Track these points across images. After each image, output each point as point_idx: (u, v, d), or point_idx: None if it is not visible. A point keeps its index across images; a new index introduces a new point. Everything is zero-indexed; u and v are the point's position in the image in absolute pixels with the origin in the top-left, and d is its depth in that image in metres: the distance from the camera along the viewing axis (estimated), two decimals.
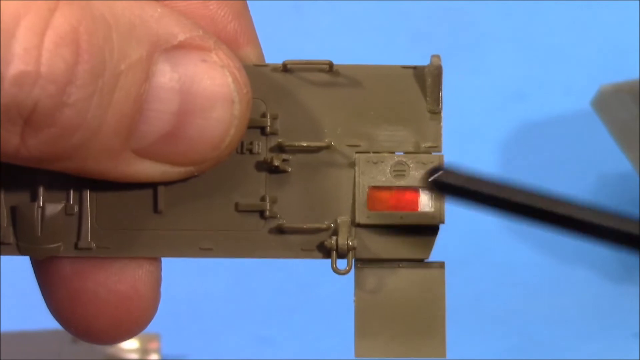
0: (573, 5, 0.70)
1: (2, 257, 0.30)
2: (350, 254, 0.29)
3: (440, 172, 0.27)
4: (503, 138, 0.66)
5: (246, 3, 0.30)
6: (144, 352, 0.62)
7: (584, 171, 0.68)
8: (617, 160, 0.66)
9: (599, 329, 0.65)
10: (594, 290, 0.66)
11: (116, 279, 0.30)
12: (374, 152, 0.29)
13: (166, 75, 0.26)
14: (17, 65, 0.24)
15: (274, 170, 0.29)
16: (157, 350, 0.62)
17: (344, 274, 0.29)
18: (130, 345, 0.62)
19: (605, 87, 0.64)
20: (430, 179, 0.27)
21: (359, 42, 0.69)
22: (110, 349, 0.62)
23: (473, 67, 0.65)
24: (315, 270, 0.65)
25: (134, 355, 0.62)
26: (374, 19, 0.70)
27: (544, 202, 0.27)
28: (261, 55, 0.30)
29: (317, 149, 0.29)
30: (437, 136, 0.29)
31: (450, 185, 0.27)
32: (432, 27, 0.70)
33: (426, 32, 0.69)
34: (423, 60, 0.30)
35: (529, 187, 0.28)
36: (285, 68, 0.29)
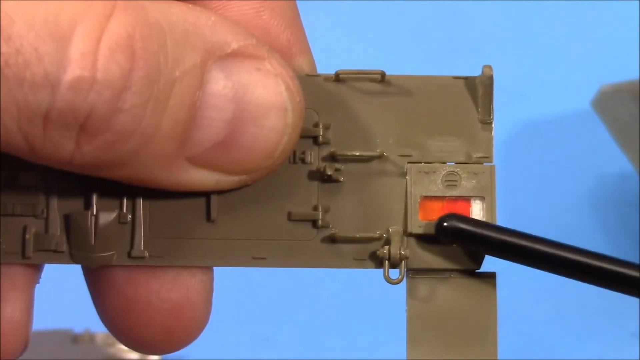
0: (573, 5, 0.70)
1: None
2: (403, 264, 0.29)
3: (452, 218, 0.28)
4: (503, 138, 0.66)
5: (299, 13, 0.30)
6: None
7: (584, 171, 0.68)
8: (617, 160, 0.66)
9: (599, 329, 0.65)
10: (594, 290, 0.66)
11: (169, 288, 0.29)
12: (425, 162, 0.29)
13: (220, 83, 0.26)
14: (73, 70, 0.24)
15: (326, 179, 0.29)
16: None
17: (396, 283, 0.29)
18: None
19: (605, 87, 0.64)
20: (443, 225, 0.28)
21: (359, 42, 0.69)
22: (111, 349, 0.62)
23: (473, 67, 0.65)
24: (315, 270, 0.65)
25: (134, 356, 0.62)
26: (374, 19, 0.70)
27: (550, 248, 0.28)
28: (313, 65, 0.30)
29: (369, 159, 0.29)
30: (489, 146, 0.29)
31: (462, 229, 0.28)
32: (432, 27, 0.70)
33: (426, 32, 0.69)
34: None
35: (532, 235, 0.28)
36: (338, 78, 0.29)
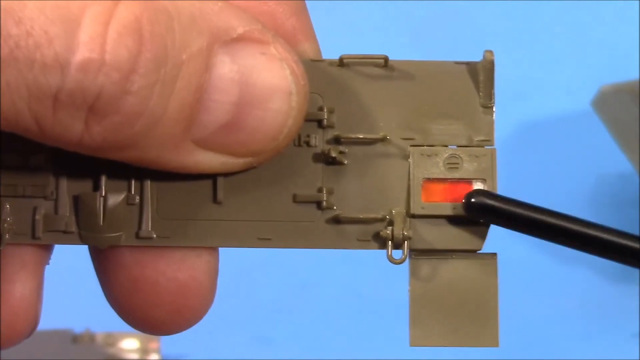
0: (573, 5, 0.70)
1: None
2: (406, 244, 0.29)
3: (480, 194, 0.29)
4: (503, 138, 0.66)
5: (304, 1, 0.30)
6: (144, 352, 0.62)
7: (584, 171, 0.68)
8: (617, 160, 0.66)
9: (599, 329, 0.65)
10: (594, 290, 0.66)
11: (176, 268, 0.30)
12: (427, 146, 0.30)
13: (226, 67, 0.27)
14: (82, 52, 0.25)
15: (330, 161, 0.30)
16: (157, 350, 0.62)
17: (399, 263, 0.29)
18: (130, 345, 0.62)
19: (605, 87, 0.64)
20: (471, 200, 0.29)
21: (359, 42, 0.69)
22: (111, 349, 0.62)
23: None
24: (315, 270, 0.65)
25: (134, 355, 0.62)
26: (374, 19, 0.70)
27: (575, 224, 0.29)
28: (318, 52, 0.30)
29: (373, 142, 0.30)
30: (490, 130, 0.30)
31: (489, 206, 0.29)
32: (432, 27, 0.70)
33: (426, 32, 0.69)
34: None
35: (558, 212, 0.29)
36: (342, 63, 0.30)
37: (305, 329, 0.65)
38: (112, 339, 0.62)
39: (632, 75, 0.64)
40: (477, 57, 0.30)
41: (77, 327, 0.62)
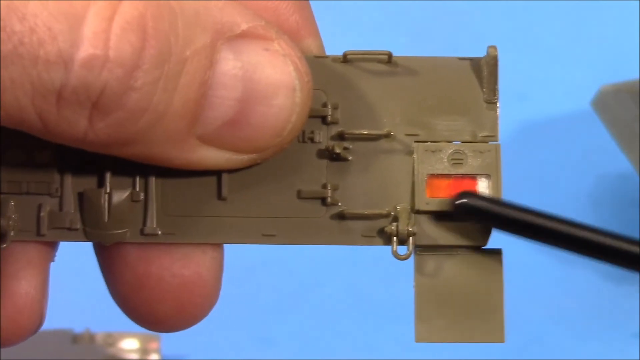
0: (573, 5, 0.70)
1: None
2: (411, 240, 0.29)
3: (466, 196, 0.29)
4: (503, 138, 0.66)
5: None
6: (144, 352, 0.62)
7: (584, 171, 0.68)
8: (617, 160, 0.66)
9: (599, 329, 0.65)
10: (594, 290, 0.66)
11: (181, 265, 0.30)
12: (432, 142, 0.30)
13: (229, 63, 0.27)
14: (86, 48, 0.25)
15: (335, 158, 0.30)
16: (157, 350, 0.62)
17: (404, 259, 0.29)
18: (130, 345, 0.62)
19: (605, 87, 0.64)
20: (456, 202, 0.29)
21: (359, 42, 0.69)
22: (110, 349, 0.62)
23: None
24: (315, 270, 0.65)
25: (134, 355, 0.62)
26: (373, 19, 0.70)
27: (565, 226, 0.29)
28: (322, 48, 0.30)
29: (377, 137, 0.30)
30: (494, 126, 0.30)
31: (476, 207, 0.29)
32: (432, 27, 0.70)
33: (426, 32, 0.69)
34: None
35: (548, 212, 0.29)
36: (346, 59, 0.30)
37: (306, 330, 0.65)
38: (112, 339, 0.62)
39: (632, 75, 0.64)
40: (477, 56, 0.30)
41: (77, 327, 0.62)
